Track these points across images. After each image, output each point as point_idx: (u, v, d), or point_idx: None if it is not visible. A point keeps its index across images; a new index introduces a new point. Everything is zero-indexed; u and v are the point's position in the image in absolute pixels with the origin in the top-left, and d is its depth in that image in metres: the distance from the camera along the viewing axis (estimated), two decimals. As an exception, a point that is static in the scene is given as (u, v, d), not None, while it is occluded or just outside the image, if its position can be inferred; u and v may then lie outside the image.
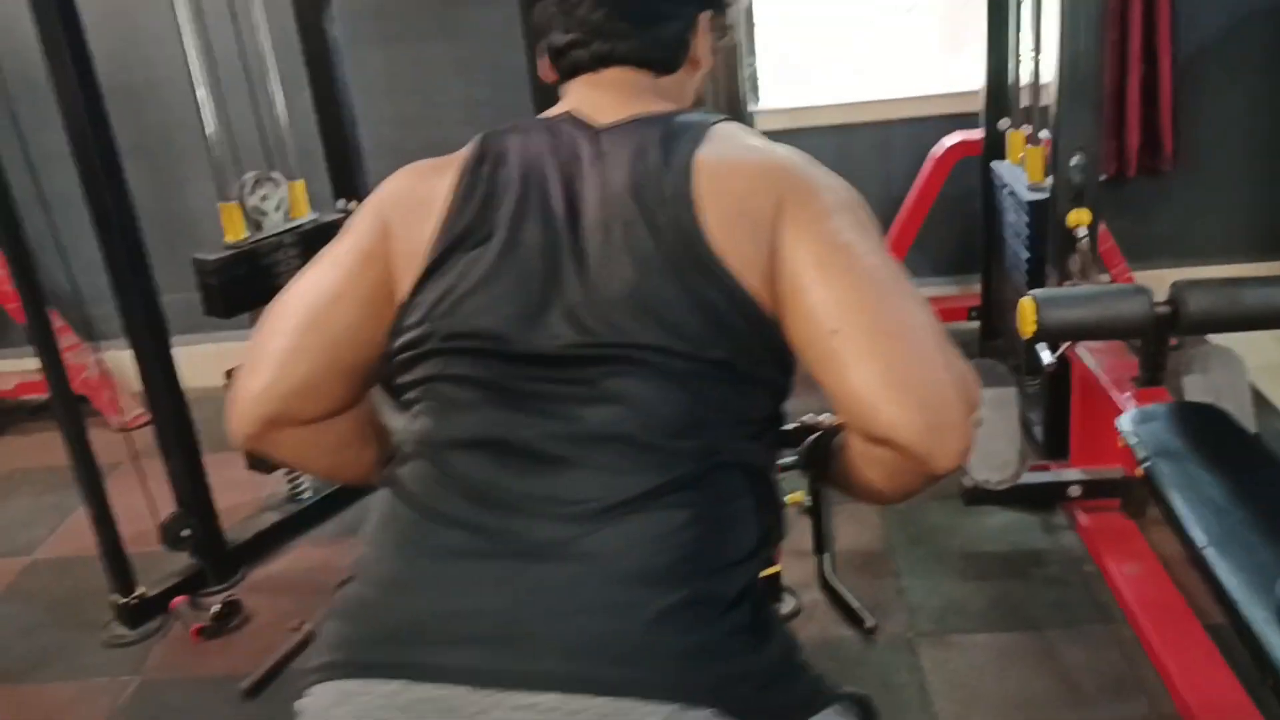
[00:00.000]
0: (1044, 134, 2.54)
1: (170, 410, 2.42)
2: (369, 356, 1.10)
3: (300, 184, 2.59)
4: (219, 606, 2.43)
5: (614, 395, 0.97)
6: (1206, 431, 1.90)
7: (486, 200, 1.06)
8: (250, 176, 2.45)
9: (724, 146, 1.06)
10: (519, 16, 2.37)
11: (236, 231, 2.45)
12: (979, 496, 2.35)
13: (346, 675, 0.92)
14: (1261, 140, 3.42)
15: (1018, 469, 2.21)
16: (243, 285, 2.42)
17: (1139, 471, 1.85)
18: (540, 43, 1.21)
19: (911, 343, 0.95)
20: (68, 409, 2.31)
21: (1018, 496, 2.47)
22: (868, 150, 3.48)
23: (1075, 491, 2.40)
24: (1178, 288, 1.99)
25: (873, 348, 0.94)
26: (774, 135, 1.17)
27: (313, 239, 2.53)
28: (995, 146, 2.92)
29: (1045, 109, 2.51)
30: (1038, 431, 2.71)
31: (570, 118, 1.14)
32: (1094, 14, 2.20)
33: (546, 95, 1.27)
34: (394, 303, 1.08)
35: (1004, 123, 2.88)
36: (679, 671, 0.87)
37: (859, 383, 0.93)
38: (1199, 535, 1.60)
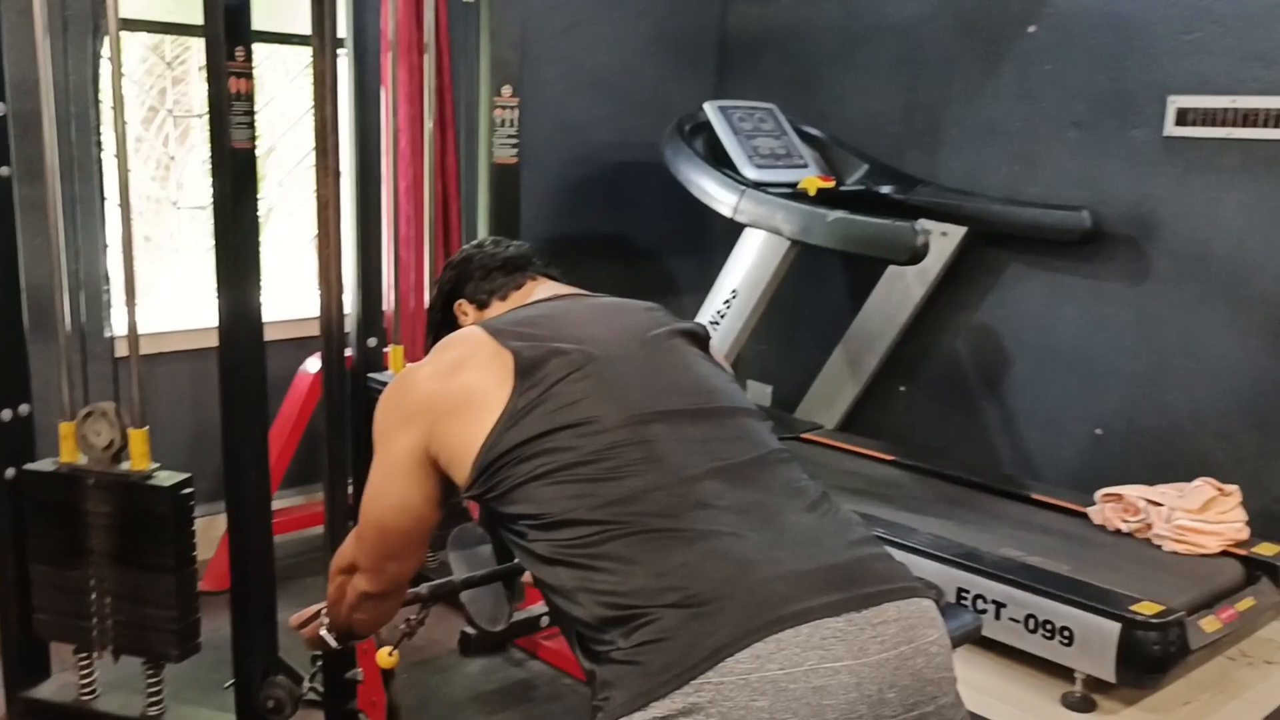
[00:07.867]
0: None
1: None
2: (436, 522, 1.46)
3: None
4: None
5: (743, 434, 1.40)
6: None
7: (539, 346, 1.39)
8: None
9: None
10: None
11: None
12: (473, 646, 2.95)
13: (752, 641, 1.14)
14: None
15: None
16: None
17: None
18: (465, 287, 1.69)
19: None
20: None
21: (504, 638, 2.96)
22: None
23: (545, 620, 2.85)
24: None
25: None
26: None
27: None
28: (369, 362, 2.91)
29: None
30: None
31: (555, 296, 1.62)
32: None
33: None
34: (464, 466, 1.36)
35: (373, 341, 2.90)
36: (915, 581, 1.29)
37: None
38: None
